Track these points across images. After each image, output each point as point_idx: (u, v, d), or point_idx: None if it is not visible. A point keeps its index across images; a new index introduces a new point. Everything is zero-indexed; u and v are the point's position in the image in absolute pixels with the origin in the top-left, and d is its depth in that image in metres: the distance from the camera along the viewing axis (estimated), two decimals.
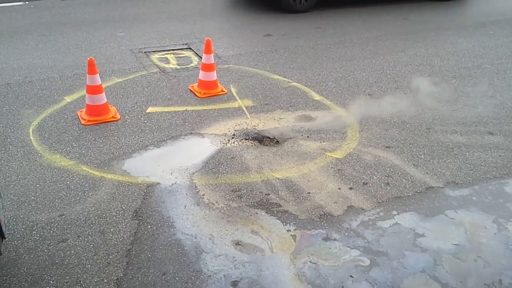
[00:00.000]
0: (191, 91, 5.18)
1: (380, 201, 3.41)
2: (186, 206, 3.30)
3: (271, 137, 4.27)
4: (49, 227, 3.05)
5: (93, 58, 4.36)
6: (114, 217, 3.16)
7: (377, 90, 5.35)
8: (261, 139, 4.25)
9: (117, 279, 2.66)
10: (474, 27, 7.86)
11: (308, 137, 4.28)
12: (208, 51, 5.02)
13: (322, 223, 3.16)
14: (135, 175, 3.63)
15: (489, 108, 4.92)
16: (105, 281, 2.64)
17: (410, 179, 3.67)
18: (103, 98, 4.45)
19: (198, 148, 4.05)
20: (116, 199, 3.35)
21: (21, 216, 3.14)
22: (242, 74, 5.70)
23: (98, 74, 4.39)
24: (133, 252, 2.86)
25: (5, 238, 2.73)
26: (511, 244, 3.01)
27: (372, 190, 3.52)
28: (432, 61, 6.28)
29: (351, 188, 3.54)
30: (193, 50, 6.47)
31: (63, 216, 3.15)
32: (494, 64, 6.18)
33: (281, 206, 3.32)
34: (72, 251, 2.85)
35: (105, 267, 2.74)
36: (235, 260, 2.82)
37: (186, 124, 4.45)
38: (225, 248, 2.92)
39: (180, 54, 6.35)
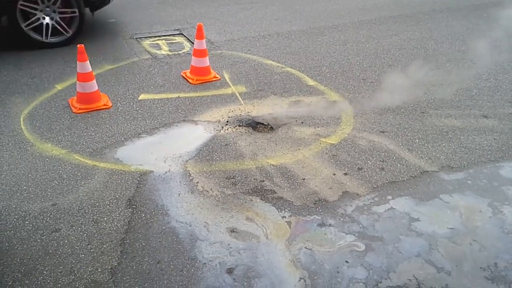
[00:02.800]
0: (183, 77, 5.12)
1: (375, 186, 3.40)
2: (180, 194, 3.27)
3: (265, 124, 4.24)
4: (41, 216, 3.02)
5: (83, 45, 4.29)
6: (108, 206, 3.13)
7: (371, 74, 5.31)
8: (255, 125, 4.21)
9: (112, 268, 2.64)
10: (468, 10, 7.82)
11: (302, 123, 4.25)
12: (200, 36, 4.96)
13: (317, 209, 3.15)
14: (128, 163, 3.60)
15: (483, 91, 4.90)
16: (99, 270, 2.62)
17: (405, 164, 3.66)
18: (94, 86, 4.39)
19: (191, 136, 4.02)
20: (109, 187, 3.31)
21: (13, 206, 3.11)
22: (235, 60, 5.64)
23: (88, 61, 4.32)
24: (127, 241, 2.84)
25: None
26: (507, 227, 3.01)
27: (367, 175, 3.51)
28: (426, 44, 6.24)
29: (346, 174, 3.53)
30: (185, 36, 6.39)
31: (56, 206, 3.12)
32: (489, 46, 6.15)
33: (275, 192, 3.31)
34: (66, 241, 2.83)
35: (99, 257, 2.72)
36: (230, 247, 2.81)
37: (179, 111, 4.41)
38: (220, 235, 2.90)
39: (171, 40, 6.27)
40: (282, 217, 3.07)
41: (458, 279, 2.62)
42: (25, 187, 3.30)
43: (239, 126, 4.18)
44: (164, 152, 3.76)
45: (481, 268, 2.69)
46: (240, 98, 4.68)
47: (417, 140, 3.98)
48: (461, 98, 4.74)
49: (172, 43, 6.16)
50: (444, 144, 3.93)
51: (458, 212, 3.13)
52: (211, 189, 3.33)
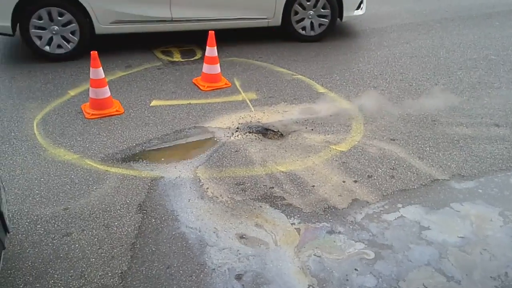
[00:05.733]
0: (194, 84, 5.16)
1: (385, 194, 3.39)
2: (190, 199, 3.29)
3: (275, 130, 4.26)
4: (53, 221, 3.05)
5: (96, 52, 4.35)
6: (118, 211, 3.15)
7: (382, 82, 5.31)
8: (265, 132, 4.23)
9: (122, 272, 2.66)
10: (479, 18, 7.79)
11: (312, 130, 4.26)
12: (211, 43, 5.00)
13: (327, 216, 3.15)
14: (139, 169, 3.63)
15: (495, 100, 4.87)
16: (110, 274, 2.65)
17: (415, 172, 3.64)
18: (106, 92, 4.44)
19: (202, 142, 4.04)
20: (120, 192, 3.35)
21: (26, 210, 3.15)
22: (245, 67, 5.67)
23: (101, 68, 4.38)
24: (138, 246, 2.86)
25: (9, 232, 2.72)
26: None
27: (377, 183, 3.50)
28: (437, 52, 6.22)
29: (355, 181, 3.53)
30: (196, 43, 6.44)
31: (68, 210, 3.15)
32: (500, 55, 6.12)
33: (285, 199, 3.31)
34: (77, 245, 2.86)
35: (109, 261, 2.74)
36: (239, 254, 2.82)
37: (190, 117, 4.44)
38: (229, 241, 2.91)
39: (183, 47, 6.32)
40: (291, 224, 3.07)
41: None
42: (37, 192, 3.34)
43: (249, 132, 4.20)
44: (174, 158, 3.79)
45: (492, 278, 2.67)
46: (250, 105, 4.71)
47: (427, 148, 3.97)
48: (472, 107, 4.72)
49: (184, 50, 6.21)
50: (455, 153, 3.91)
51: (468, 221, 3.12)
52: (220, 195, 3.34)
